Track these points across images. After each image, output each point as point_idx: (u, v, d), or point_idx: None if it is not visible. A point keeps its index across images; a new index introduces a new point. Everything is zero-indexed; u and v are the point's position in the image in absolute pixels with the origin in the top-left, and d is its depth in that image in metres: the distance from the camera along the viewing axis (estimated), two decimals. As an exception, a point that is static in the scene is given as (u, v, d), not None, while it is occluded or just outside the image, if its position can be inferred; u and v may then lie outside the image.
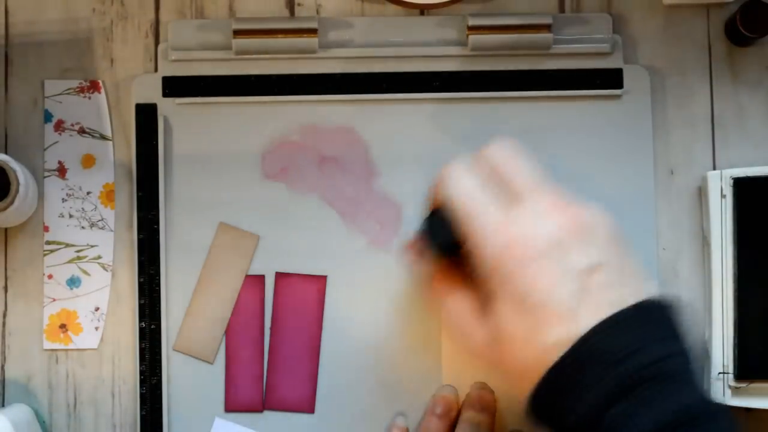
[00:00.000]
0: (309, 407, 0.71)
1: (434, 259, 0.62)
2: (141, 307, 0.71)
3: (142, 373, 0.71)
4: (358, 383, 0.71)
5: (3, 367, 0.72)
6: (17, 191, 0.67)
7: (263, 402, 0.71)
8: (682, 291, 0.73)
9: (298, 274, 0.72)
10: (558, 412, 0.53)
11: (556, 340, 0.53)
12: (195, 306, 0.72)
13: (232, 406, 0.71)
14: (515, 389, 0.56)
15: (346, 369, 0.72)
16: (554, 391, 0.53)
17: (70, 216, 0.73)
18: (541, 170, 0.59)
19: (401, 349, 0.72)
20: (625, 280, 0.55)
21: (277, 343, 0.72)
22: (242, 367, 0.71)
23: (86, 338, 0.72)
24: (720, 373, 0.70)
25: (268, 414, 0.71)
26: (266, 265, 0.72)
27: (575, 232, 0.55)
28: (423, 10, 0.74)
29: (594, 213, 0.57)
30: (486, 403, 0.69)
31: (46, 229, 0.73)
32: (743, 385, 0.69)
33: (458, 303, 0.59)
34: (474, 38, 0.73)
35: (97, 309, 0.72)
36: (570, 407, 0.52)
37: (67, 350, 0.72)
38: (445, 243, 0.59)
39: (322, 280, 0.72)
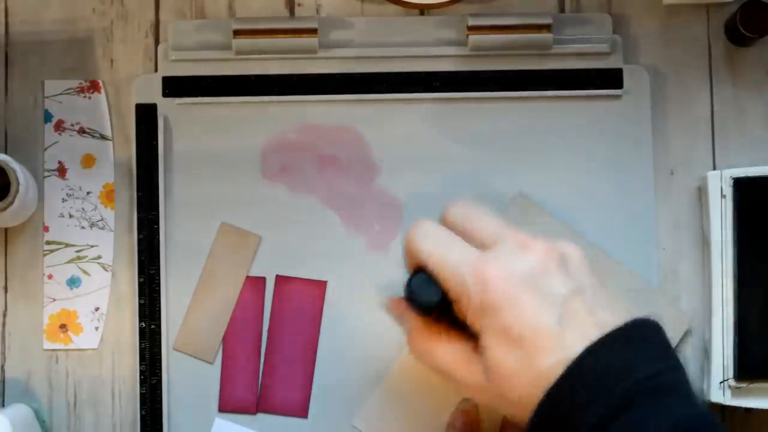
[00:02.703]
0: (302, 411, 0.71)
1: (420, 317, 0.62)
2: (141, 307, 0.71)
3: (142, 373, 0.71)
4: (353, 390, 0.71)
5: (3, 367, 0.72)
6: (17, 191, 0.67)
7: (257, 404, 0.71)
8: (682, 291, 0.73)
9: (299, 278, 0.72)
10: None
11: (547, 366, 0.54)
12: (195, 306, 0.72)
13: (226, 406, 0.71)
14: (516, 418, 0.57)
15: (342, 375, 0.71)
16: (552, 416, 0.54)
17: (70, 216, 0.73)
18: (501, 218, 0.60)
19: (399, 355, 0.72)
20: (606, 302, 0.56)
21: (273, 346, 0.72)
22: (238, 368, 0.71)
23: (86, 338, 0.72)
24: (720, 373, 0.70)
25: (261, 416, 0.71)
26: (267, 267, 0.72)
27: (552, 262, 0.57)
28: (423, 10, 0.74)
29: (565, 245, 0.58)
30: (471, 421, 0.69)
31: (46, 229, 0.73)
32: (743, 385, 0.69)
33: (448, 352, 0.60)
34: (474, 38, 0.73)
35: (97, 309, 0.72)
36: (571, 429, 0.53)
37: (67, 350, 0.72)
38: (430, 300, 0.60)
39: (321, 285, 0.72)
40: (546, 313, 0.55)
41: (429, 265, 0.59)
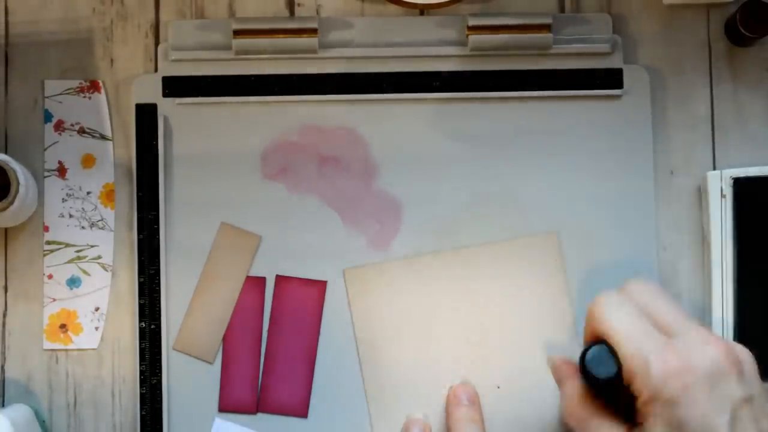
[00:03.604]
0: (302, 411, 0.71)
1: (585, 386, 0.62)
2: (141, 307, 0.71)
3: (142, 373, 0.71)
4: (353, 390, 0.71)
5: (3, 367, 0.72)
6: (17, 191, 0.67)
7: (257, 404, 0.71)
8: (682, 291, 0.73)
9: (299, 278, 0.72)
10: None
11: None
12: (195, 306, 0.72)
13: (226, 406, 0.71)
14: None
15: (342, 374, 0.71)
16: None
17: (70, 216, 0.73)
18: (683, 310, 0.61)
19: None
20: None
21: (273, 346, 0.72)
22: (238, 367, 0.71)
23: (86, 338, 0.72)
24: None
25: (261, 416, 0.71)
26: (267, 267, 0.72)
27: (730, 363, 0.57)
28: (423, 10, 0.74)
29: (739, 347, 0.59)
30: (472, 396, 0.70)
31: (46, 229, 0.73)
32: (743, 385, 0.69)
33: (603, 427, 0.61)
34: (474, 38, 0.73)
35: (97, 309, 0.72)
36: None
37: (67, 350, 0.72)
38: (604, 374, 0.60)
39: (322, 285, 0.72)
40: (719, 415, 0.56)
41: (612, 338, 0.59)
